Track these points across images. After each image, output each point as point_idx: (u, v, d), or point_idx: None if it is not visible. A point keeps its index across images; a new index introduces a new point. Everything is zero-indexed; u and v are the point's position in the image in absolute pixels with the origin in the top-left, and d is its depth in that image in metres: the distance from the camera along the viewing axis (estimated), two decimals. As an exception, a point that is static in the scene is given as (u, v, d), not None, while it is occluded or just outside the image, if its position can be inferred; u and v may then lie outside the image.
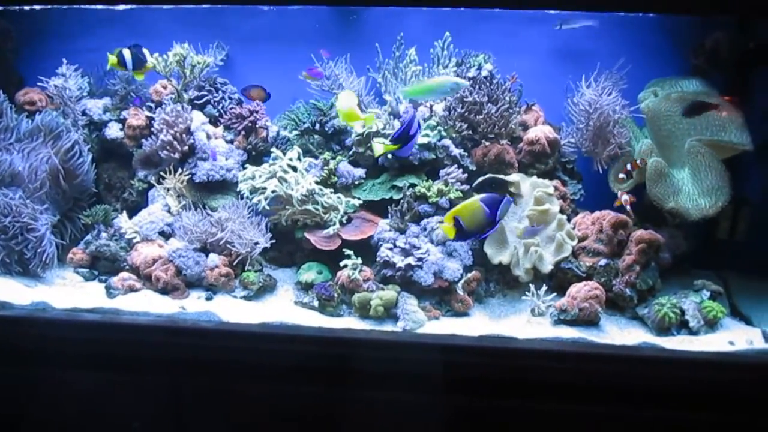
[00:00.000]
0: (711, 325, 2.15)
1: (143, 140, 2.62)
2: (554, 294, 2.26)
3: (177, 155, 2.54)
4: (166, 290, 2.29)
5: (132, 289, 2.28)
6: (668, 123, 2.46)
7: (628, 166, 2.39)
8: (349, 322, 2.16)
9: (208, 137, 2.60)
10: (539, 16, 2.66)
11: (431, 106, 2.59)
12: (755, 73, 2.58)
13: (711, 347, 2.03)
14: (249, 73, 2.81)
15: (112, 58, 2.45)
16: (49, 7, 2.63)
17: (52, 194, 2.46)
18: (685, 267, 2.48)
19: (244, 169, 2.52)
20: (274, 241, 2.42)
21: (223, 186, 2.61)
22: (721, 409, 1.91)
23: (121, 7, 2.62)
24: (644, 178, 2.39)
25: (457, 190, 2.43)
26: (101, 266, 2.42)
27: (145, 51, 2.50)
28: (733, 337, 2.07)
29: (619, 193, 2.38)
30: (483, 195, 2.07)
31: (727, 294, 2.33)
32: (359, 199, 2.49)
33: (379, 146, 2.25)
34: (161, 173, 2.57)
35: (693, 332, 2.12)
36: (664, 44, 2.64)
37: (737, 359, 2.00)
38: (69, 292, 2.28)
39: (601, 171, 2.58)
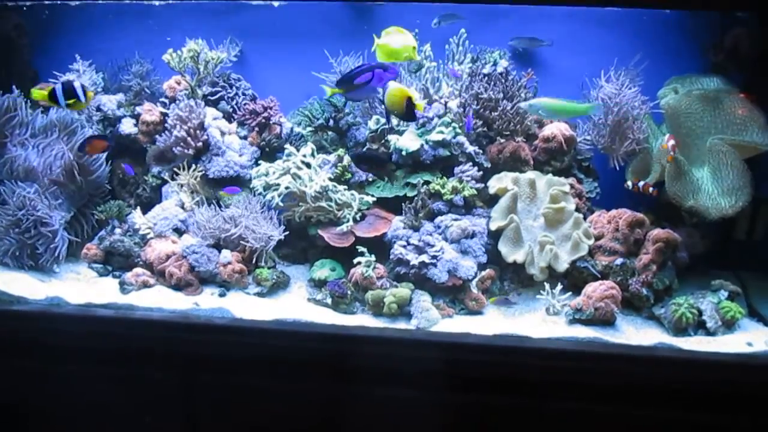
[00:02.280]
0: (729, 325, 2.12)
1: (157, 136, 2.61)
2: (569, 293, 2.24)
3: (191, 151, 2.54)
4: (179, 286, 2.29)
5: (146, 285, 2.28)
6: (688, 120, 2.43)
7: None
8: (362, 320, 2.15)
9: (222, 133, 2.60)
10: (553, 13, 2.64)
11: (446, 103, 2.57)
12: None
13: (729, 348, 2.00)
14: (263, 69, 2.82)
15: (41, 93, 2.30)
16: (65, 2, 2.64)
17: (67, 190, 2.47)
18: (702, 267, 2.45)
19: (258, 165, 2.51)
20: (287, 232, 2.41)
21: (236, 182, 2.60)
22: (739, 411, 1.89)
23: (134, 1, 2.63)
24: (663, 175, 2.36)
25: (471, 187, 2.41)
26: (115, 262, 2.42)
27: (78, 84, 2.32)
28: (752, 338, 2.04)
29: (641, 184, 2.40)
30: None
31: (745, 294, 2.30)
32: (373, 196, 2.48)
33: (330, 89, 2.35)
34: (175, 169, 2.57)
35: (710, 333, 2.09)
36: (683, 41, 2.61)
37: (756, 361, 1.96)
38: (83, 287, 2.28)
39: (617, 168, 2.55)
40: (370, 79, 2.23)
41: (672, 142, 2.31)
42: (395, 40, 2.31)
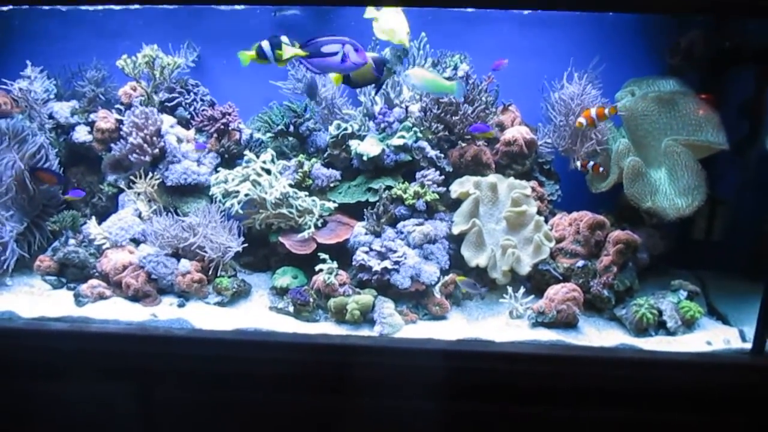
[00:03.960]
0: (688, 325, 2.14)
1: (112, 144, 2.55)
2: (532, 296, 2.25)
3: (147, 158, 2.49)
4: (137, 297, 2.24)
5: (101, 297, 2.23)
6: (645, 122, 2.46)
7: (577, 163, 2.47)
8: (325, 327, 2.13)
9: (180, 140, 2.55)
10: (515, 16, 2.65)
11: (407, 107, 2.56)
12: (731, 71, 2.58)
13: (689, 347, 2.03)
14: (221, 74, 2.77)
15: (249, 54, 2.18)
16: (12, 7, 2.57)
17: (19, 200, 2.39)
18: (662, 267, 2.48)
19: (217, 172, 2.47)
20: (245, 245, 2.38)
21: (195, 190, 2.56)
22: (698, 410, 1.92)
23: (89, 7, 2.57)
24: (621, 177, 2.38)
25: (433, 192, 2.40)
26: (70, 273, 2.36)
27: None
28: (711, 337, 2.08)
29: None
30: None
31: (704, 294, 2.34)
32: (334, 201, 2.46)
33: (289, 50, 2.11)
34: (131, 177, 2.51)
35: (671, 333, 2.12)
36: (641, 44, 2.63)
37: (715, 359, 2.00)
38: (36, 300, 2.23)
39: (578, 170, 2.56)
40: (337, 53, 2.07)
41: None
42: (394, 20, 2.24)
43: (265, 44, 2.11)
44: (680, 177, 2.33)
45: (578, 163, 2.48)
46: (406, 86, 2.53)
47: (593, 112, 2.37)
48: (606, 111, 2.37)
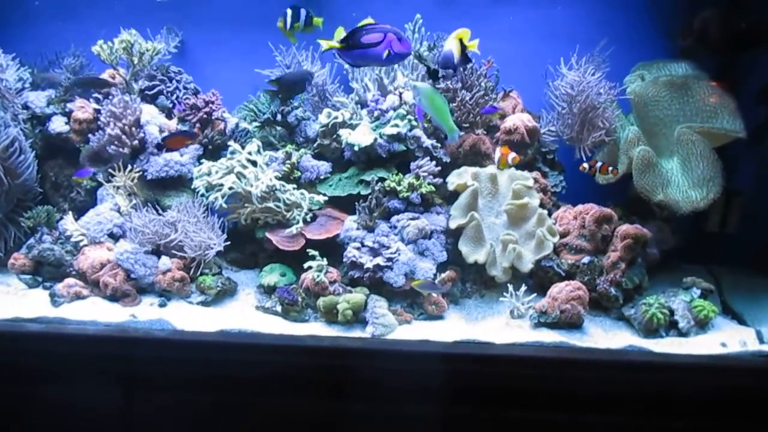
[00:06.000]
0: (702, 325, 2.06)
1: (90, 135, 2.46)
2: (534, 294, 2.16)
3: (126, 150, 2.39)
4: (115, 297, 2.16)
5: (78, 296, 2.16)
6: (656, 109, 2.40)
7: (585, 165, 2.36)
8: (314, 328, 2.06)
9: (161, 130, 2.46)
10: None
11: (401, 94, 2.46)
12: (748, 54, 2.51)
13: (702, 350, 1.95)
14: (206, 61, 2.69)
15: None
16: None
17: (-9, 194, 2.30)
18: (673, 262, 2.42)
19: (200, 164, 2.38)
20: (228, 243, 2.29)
21: (177, 183, 2.47)
22: (712, 417, 1.85)
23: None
24: (630, 168, 2.30)
25: (429, 183, 2.31)
26: (45, 272, 2.27)
27: None
28: (726, 338, 2.00)
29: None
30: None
31: (718, 291, 2.27)
32: (324, 195, 2.38)
33: (325, 42, 2.02)
34: (110, 170, 2.41)
35: (683, 333, 2.04)
36: (650, 25, 2.56)
37: (730, 362, 1.92)
38: (10, 300, 2.16)
39: (584, 160, 2.47)
40: (379, 42, 1.93)
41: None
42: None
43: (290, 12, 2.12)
44: (694, 167, 2.25)
45: (585, 165, 2.37)
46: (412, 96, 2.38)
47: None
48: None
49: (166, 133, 2.44)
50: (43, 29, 2.63)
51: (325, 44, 2.00)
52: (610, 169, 2.34)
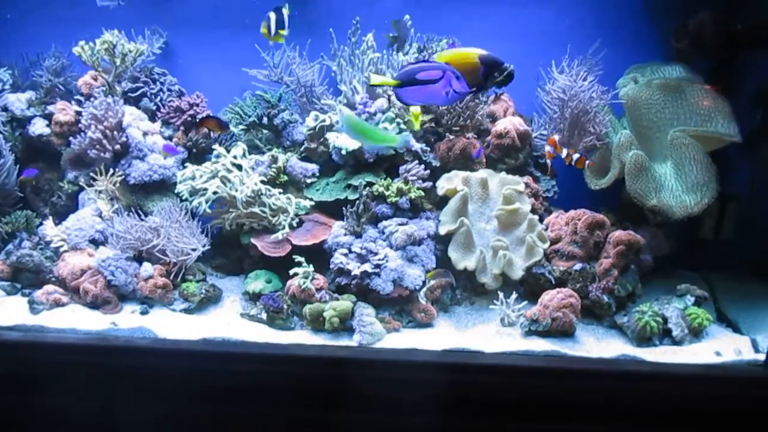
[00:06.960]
0: (696, 333, 2.05)
1: (72, 138, 2.41)
2: (525, 302, 2.13)
3: (108, 154, 2.35)
4: (96, 304, 2.13)
5: (58, 304, 2.13)
6: (649, 112, 2.39)
7: (548, 148, 2.30)
8: (300, 337, 2.03)
9: (144, 134, 2.41)
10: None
11: (389, 97, 2.42)
12: (743, 56, 2.50)
13: (696, 358, 1.94)
14: (191, 63, 2.66)
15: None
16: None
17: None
18: (667, 269, 2.40)
19: (184, 168, 2.34)
20: (208, 248, 2.26)
21: (161, 187, 2.44)
22: (706, 428, 1.83)
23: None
24: (623, 172, 2.28)
25: (418, 188, 2.28)
26: (24, 279, 2.23)
27: None
28: (720, 347, 1.99)
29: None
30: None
31: (713, 298, 2.25)
32: (311, 199, 2.35)
33: (377, 77, 1.98)
34: (92, 174, 2.37)
35: (676, 342, 2.02)
36: (644, 27, 2.54)
37: (724, 372, 1.90)
38: None
39: (564, 160, 2.41)
40: (438, 79, 1.88)
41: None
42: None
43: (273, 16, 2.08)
44: (688, 172, 2.24)
45: (564, 152, 2.30)
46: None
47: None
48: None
49: (203, 115, 2.42)
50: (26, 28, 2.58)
51: (376, 79, 1.98)
52: (587, 162, 2.28)
